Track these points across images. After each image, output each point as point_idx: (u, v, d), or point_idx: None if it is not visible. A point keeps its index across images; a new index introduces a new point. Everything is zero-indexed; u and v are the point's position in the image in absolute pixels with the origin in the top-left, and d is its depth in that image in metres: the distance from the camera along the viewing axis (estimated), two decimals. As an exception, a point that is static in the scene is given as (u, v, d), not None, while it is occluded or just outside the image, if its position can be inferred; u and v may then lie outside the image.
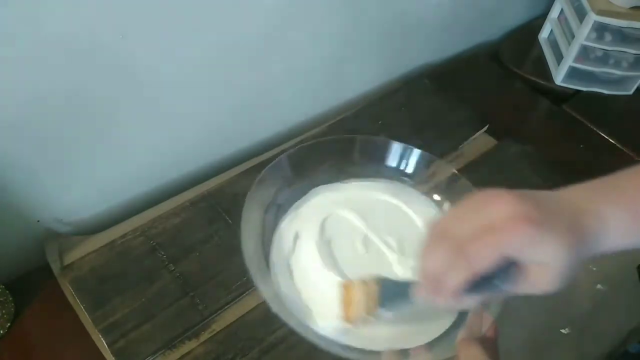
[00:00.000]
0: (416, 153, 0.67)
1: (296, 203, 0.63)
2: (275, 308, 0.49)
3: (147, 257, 0.64)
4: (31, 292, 0.62)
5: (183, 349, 0.57)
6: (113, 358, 0.55)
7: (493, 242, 0.35)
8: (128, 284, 0.61)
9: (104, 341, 0.56)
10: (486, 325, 0.47)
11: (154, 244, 0.65)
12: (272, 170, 0.61)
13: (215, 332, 0.58)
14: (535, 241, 0.35)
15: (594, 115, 0.90)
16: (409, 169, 0.67)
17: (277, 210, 0.61)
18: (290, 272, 0.57)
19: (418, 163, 0.67)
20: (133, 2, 0.54)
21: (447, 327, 0.54)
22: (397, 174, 0.68)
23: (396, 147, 0.67)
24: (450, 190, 0.65)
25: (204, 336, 0.58)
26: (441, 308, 0.45)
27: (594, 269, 0.68)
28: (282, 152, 0.77)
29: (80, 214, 0.69)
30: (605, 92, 0.96)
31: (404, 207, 0.64)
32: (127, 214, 0.69)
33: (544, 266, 0.37)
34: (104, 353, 0.56)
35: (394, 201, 0.65)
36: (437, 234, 0.38)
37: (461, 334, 0.46)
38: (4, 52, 0.49)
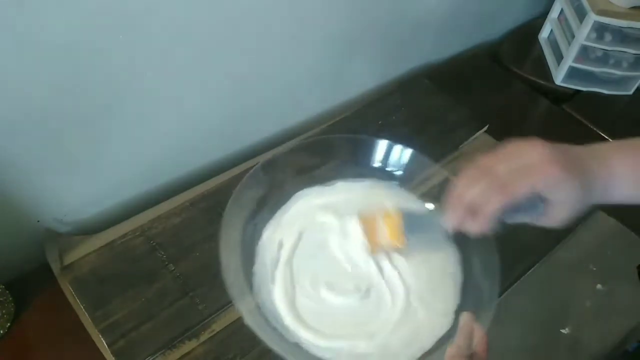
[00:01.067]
0: (407, 153, 0.64)
1: (279, 211, 0.61)
2: (250, 322, 0.48)
3: (147, 257, 0.64)
4: (31, 292, 0.62)
5: (183, 349, 0.57)
6: (113, 358, 0.55)
7: (529, 179, 0.43)
8: (128, 284, 0.61)
9: (104, 341, 0.56)
10: (477, 338, 0.46)
11: (154, 244, 0.65)
12: (251, 179, 0.59)
13: (215, 332, 0.58)
14: (560, 181, 0.43)
15: (594, 115, 0.90)
16: (394, 168, 0.65)
17: (259, 220, 0.59)
18: (274, 283, 0.55)
19: (407, 162, 0.64)
20: (134, 3, 0.54)
21: (438, 338, 0.52)
22: (384, 175, 0.65)
23: (381, 146, 0.65)
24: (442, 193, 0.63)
25: (204, 336, 0.58)
26: (467, 232, 0.48)
27: (594, 268, 0.68)
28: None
29: (80, 214, 0.69)
30: (605, 92, 0.96)
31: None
32: (127, 214, 0.69)
33: (562, 203, 0.44)
34: (104, 353, 0.56)
35: (384, 203, 0.62)
36: (477, 171, 0.46)
37: (450, 350, 0.45)
38: (4, 52, 0.49)
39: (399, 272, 0.56)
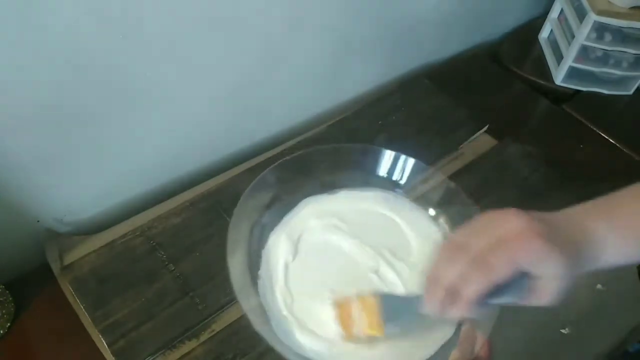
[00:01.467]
0: (410, 162, 0.63)
1: (287, 215, 0.60)
2: (258, 326, 0.47)
3: (147, 257, 0.64)
4: (31, 292, 0.62)
5: (183, 349, 0.57)
6: (113, 358, 0.55)
7: (510, 254, 0.39)
8: (128, 284, 0.61)
9: (104, 341, 0.56)
10: (479, 344, 0.46)
11: (154, 244, 0.65)
12: (259, 183, 0.58)
13: (215, 332, 0.58)
14: (544, 254, 0.39)
15: (594, 115, 0.90)
16: (400, 178, 0.64)
17: (264, 226, 0.59)
18: (277, 287, 0.54)
19: (411, 172, 0.63)
20: (134, 3, 0.54)
21: (440, 345, 0.51)
22: (388, 184, 0.64)
23: (388, 156, 0.64)
24: (444, 200, 0.62)
25: (204, 336, 0.58)
26: (449, 318, 0.44)
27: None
28: (283, 152, 0.77)
29: (80, 214, 0.69)
30: (605, 92, 0.96)
31: (395, 218, 0.61)
32: (127, 214, 0.69)
33: (548, 280, 0.40)
34: (104, 353, 0.56)
35: (385, 211, 0.62)
36: (452, 248, 0.41)
37: (453, 355, 0.45)
38: (5, 54, 0.49)
39: (402, 281, 0.56)
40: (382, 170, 0.64)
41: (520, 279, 0.40)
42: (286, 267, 0.56)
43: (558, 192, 0.75)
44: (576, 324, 0.62)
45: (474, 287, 0.39)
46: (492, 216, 0.41)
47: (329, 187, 0.63)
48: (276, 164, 0.60)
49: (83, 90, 0.57)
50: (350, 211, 0.61)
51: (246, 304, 0.50)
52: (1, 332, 0.58)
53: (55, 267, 0.62)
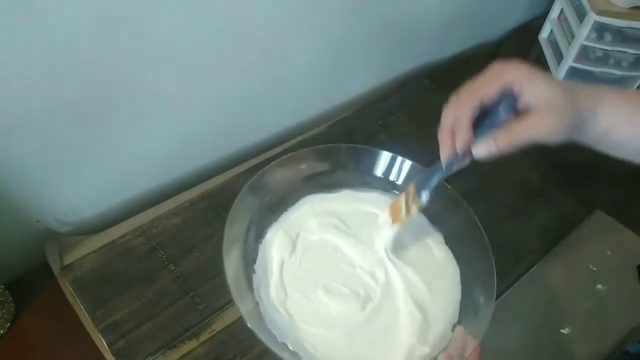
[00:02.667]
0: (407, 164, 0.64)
1: (285, 213, 0.61)
2: (249, 322, 0.48)
3: (147, 257, 0.64)
4: (31, 292, 0.62)
5: (183, 349, 0.57)
6: (113, 358, 0.55)
7: (494, 76, 0.43)
8: (128, 284, 0.61)
9: (104, 341, 0.56)
10: (469, 348, 0.46)
11: (154, 244, 0.65)
12: (258, 180, 0.59)
13: (215, 332, 0.58)
14: (531, 77, 0.42)
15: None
16: (397, 179, 0.65)
17: (262, 222, 0.59)
18: (272, 283, 0.55)
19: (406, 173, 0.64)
20: (134, 3, 0.54)
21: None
22: (385, 184, 0.65)
23: (384, 157, 0.65)
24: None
25: (204, 336, 0.58)
26: (460, 151, 0.47)
27: (594, 269, 0.68)
28: (283, 152, 0.77)
29: (80, 214, 0.69)
30: (605, 92, 0.96)
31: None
32: (127, 214, 0.69)
33: (544, 102, 0.42)
34: (104, 353, 0.56)
35: (383, 213, 0.61)
36: (455, 96, 0.46)
37: (441, 357, 0.45)
38: (5, 54, 0.49)
39: (400, 280, 0.56)
40: (379, 171, 0.65)
41: (509, 98, 0.43)
42: (282, 263, 0.56)
43: (558, 193, 0.75)
44: (576, 324, 0.62)
45: (465, 110, 0.44)
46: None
47: (327, 186, 0.63)
48: (275, 161, 0.60)
49: (83, 90, 0.57)
50: (349, 211, 0.62)
51: (239, 298, 0.49)
52: (1, 332, 0.58)
53: (55, 267, 0.62)
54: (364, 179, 0.65)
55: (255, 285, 0.54)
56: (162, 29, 0.59)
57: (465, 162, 0.48)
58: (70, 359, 0.58)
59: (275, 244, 0.57)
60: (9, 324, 0.59)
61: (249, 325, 0.47)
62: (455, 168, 0.48)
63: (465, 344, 0.46)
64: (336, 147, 0.64)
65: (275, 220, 0.60)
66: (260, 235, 0.58)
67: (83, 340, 0.57)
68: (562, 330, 0.62)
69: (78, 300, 0.59)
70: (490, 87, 0.43)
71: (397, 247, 0.59)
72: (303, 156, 0.62)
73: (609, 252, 0.70)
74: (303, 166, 0.63)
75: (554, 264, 0.68)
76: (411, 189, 0.54)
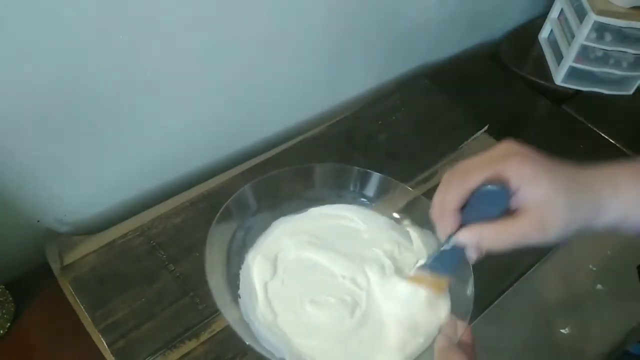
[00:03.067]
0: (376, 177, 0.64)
1: (259, 239, 0.60)
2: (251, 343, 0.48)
3: (147, 257, 0.64)
4: (31, 292, 0.62)
5: (183, 349, 0.57)
6: (113, 358, 0.55)
7: (494, 163, 0.40)
8: (128, 284, 0.61)
9: (104, 341, 0.56)
10: (460, 329, 0.47)
11: (154, 244, 0.65)
12: (234, 204, 0.58)
13: (215, 332, 0.58)
14: (532, 178, 0.39)
15: (594, 115, 0.90)
16: (370, 193, 0.65)
17: (239, 248, 0.59)
18: (257, 305, 0.54)
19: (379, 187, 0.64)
20: (134, 3, 0.55)
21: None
22: (358, 196, 0.65)
23: (355, 174, 0.64)
24: (411, 209, 0.62)
25: (204, 336, 0.58)
26: (444, 231, 0.45)
27: (594, 269, 0.68)
28: (283, 151, 0.77)
29: (80, 214, 0.69)
30: (605, 92, 0.96)
31: (361, 226, 0.62)
32: (127, 214, 0.69)
33: (539, 208, 0.39)
34: (104, 353, 0.56)
35: (352, 222, 0.62)
36: (448, 174, 0.43)
37: (439, 341, 0.46)
38: (4, 53, 0.49)
39: (377, 284, 0.56)
40: (352, 187, 0.65)
41: (501, 195, 0.41)
42: (265, 286, 0.55)
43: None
44: (576, 324, 0.62)
45: (452, 194, 0.42)
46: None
47: (300, 206, 0.63)
48: (246, 186, 0.60)
49: (83, 90, 0.57)
50: (321, 226, 0.61)
51: (235, 325, 0.49)
52: (1, 332, 0.58)
53: (55, 267, 0.62)
54: (337, 193, 0.64)
55: (242, 310, 0.53)
56: (162, 28, 0.59)
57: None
58: (70, 359, 0.58)
59: (255, 268, 0.56)
60: (9, 324, 0.59)
61: (251, 346, 0.48)
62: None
63: (456, 327, 0.47)
64: (300, 168, 0.64)
65: (252, 245, 0.59)
66: (240, 261, 0.58)
67: (83, 340, 0.57)
68: (562, 330, 0.62)
69: (78, 300, 0.59)
70: (482, 177, 0.41)
71: (371, 252, 0.59)
72: (270, 180, 0.62)
73: (609, 252, 0.70)
74: (272, 189, 0.62)
75: (554, 264, 0.68)
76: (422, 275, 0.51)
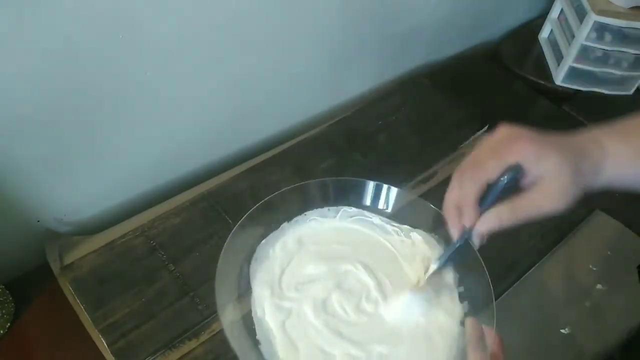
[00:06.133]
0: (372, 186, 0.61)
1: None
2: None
3: (147, 257, 0.64)
4: (31, 292, 0.62)
5: (183, 349, 0.57)
6: (113, 358, 0.55)
7: (500, 153, 0.43)
8: (128, 284, 0.61)
9: (104, 341, 0.56)
10: (490, 338, 0.44)
11: (154, 244, 0.65)
12: (247, 220, 0.56)
13: (215, 332, 0.58)
14: (539, 156, 0.41)
15: (594, 115, 0.90)
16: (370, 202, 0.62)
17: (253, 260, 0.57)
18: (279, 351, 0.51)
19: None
20: (134, 3, 0.55)
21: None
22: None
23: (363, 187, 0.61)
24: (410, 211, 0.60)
25: (204, 336, 0.58)
26: (474, 235, 0.46)
27: (594, 269, 0.68)
28: (283, 152, 0.77)
29: (80, 214, 0.69)
30: (605, 92, 0.96)
31: (370, 233, 0.60)
32: (127, 214, 0.69)
33: (549, 180, 0.42)
34: (104, 353, 0.56)
35: (362, 229, 0.60)
36: (456, 174, 0.45)
37: (473, 355, 0.43)
38: (5, 53, 0.49)
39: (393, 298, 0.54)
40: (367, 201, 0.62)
41: (515, 177, 0.43)
42: (282, 326, 0.52)
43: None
44: (576, 324, 0.62)
45: (471, 189, 0.43)
46: (492, 136, 0.45)
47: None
48: (248, 213, 0.56)
49: (82, 90, 0.57)
50: (322, 235, 0.59)
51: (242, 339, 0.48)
52: (1, 332, 0.58)
53: (55, 267, 0.62)
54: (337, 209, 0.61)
55: (266, 357, 0.50)
56: (162, 28, 0.59)
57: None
58: (70, 359, 0.58)
59: (267, 313, 0.53)
60: (9, 324, 0.59)
61: None
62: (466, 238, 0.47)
63: (481, 334, 0.44)
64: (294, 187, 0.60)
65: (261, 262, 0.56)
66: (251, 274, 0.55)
67: (83, 340, 0.57)
68: (562, 330, 0.62)
69: (78, 300, 0.59)
70: (495, 168, 0.43)
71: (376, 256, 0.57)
72: (285, 194, 0.59)
73: (609, 252, 0.70)
74: (281, 205, 0.59)
75: (554, 264, 0.68)
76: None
